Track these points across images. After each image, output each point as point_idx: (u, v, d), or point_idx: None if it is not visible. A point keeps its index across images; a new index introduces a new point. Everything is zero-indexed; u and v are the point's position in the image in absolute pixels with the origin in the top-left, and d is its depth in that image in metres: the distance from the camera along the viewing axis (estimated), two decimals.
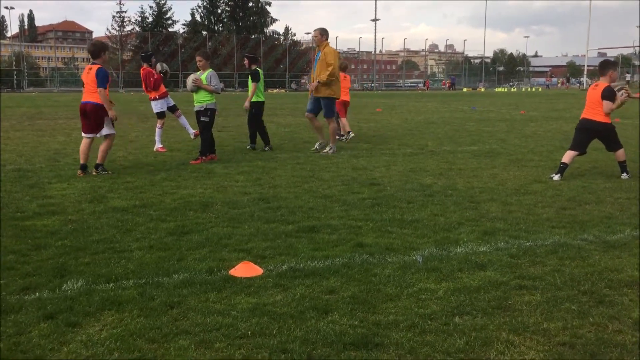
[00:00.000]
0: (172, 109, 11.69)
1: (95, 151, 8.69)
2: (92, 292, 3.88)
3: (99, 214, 6.09)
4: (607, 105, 7.90)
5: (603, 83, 8.08)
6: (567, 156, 8.20)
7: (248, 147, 11.53)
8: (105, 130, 8.58)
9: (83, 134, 8.61)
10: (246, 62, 11.78)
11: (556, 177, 8.06)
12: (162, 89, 11.51)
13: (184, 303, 3.73)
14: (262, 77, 11.59)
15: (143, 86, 11.53)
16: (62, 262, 4.49)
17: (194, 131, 11.36)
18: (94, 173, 8.49)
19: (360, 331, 3.33)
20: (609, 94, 7.90)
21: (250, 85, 11.46)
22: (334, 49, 10.74)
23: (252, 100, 11.38)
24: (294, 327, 3.39)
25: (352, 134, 13.30)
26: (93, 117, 8.46)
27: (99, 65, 8.45)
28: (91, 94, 8.43)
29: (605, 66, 8.24)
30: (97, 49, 8.64)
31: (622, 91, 8.06)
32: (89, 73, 8.44)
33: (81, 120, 8.66)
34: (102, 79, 8.33)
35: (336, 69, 10.49)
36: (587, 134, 8.21)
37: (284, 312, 3.59)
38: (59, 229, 5.45)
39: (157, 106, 11.51)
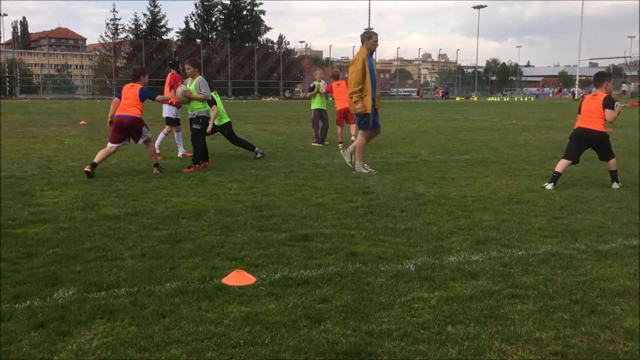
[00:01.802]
0: (175, 122, 11.82)
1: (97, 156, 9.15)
2: (84, 301, 3.86)
3: (91, 221, 6.06)
4: (610, 113, 7.98)
5: (602, 93, 8.16)
6: (561, 165, 8.24)
7: (258, 156, 11.23)
8: (147, 135, 9.36)
9: (111, 144, 9.15)
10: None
11: (549, 186, 8.10)
12: None
13: (176, 312, 3.71)
14: (218, 99, 11.06)
15: (167, 89, 11.79)
16: (53, 270, 4.46)
17: (184, 151, 11.78)
18: (155, 172, 9.30)
19: (353, 340, 3.32)
20: (611, 103, 7.99)
21: (212, 109, 10.61)
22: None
23: (221, 124, 10.93)
24: (286, 336, 3.38)
25: (340, 145, 13.37)
26: (133, 130, 9.18)
27: (141, 85, 9.33)
28: (130, 108, 9.13)
29: (601, 78, 8.33)
30: (135, 73, 9.67)
31: (616, 103, 8.16)
32: (130, 89, 9.25)
33: (115, 131, 9.16)
34: (150, 92, 9.38)
35: None
36: (582, 143, 8.27)
37: (276, 321, 3.58)
38: (51, 237, 5.42)
39: (171, 112, 11.62)
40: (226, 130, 11.16)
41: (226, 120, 11.14)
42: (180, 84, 11.37)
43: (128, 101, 9.17)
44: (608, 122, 8.07)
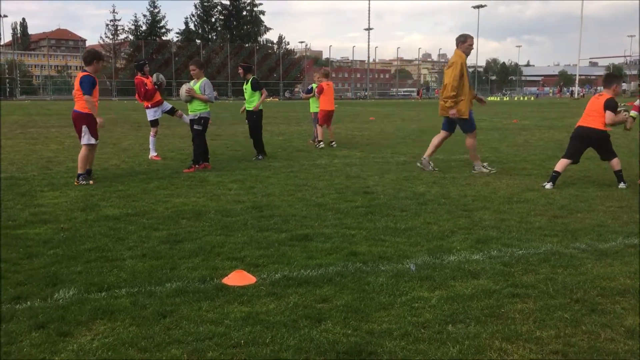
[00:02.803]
0: (172, 112, 11.64)
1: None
2: (84, 301, 3.86)
3: (91, 222, 6.06)
4: (609, 115, 7.97)
5: (606, 94, 8.15)
6: (560, 164, 8.23)
7: (260, 158, 11.30)
8: (84, 140, 8.49)
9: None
10: (241, 71, 11.81)
11: (548, 186, 8.09)
12: (157, 97, 11.49)
13: (176, 312, 3.71)
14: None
15: (136, 95, 11.55)
16: (54, 271, 4.46)
17: (154, 155, 11.41)
18: (75, 183, 8.36)
19: (353, 340, 3.32)
20: (612, 105, 7.97)
21: (254, 93, 11.45)
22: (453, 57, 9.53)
23: (256, 108, 11.45)
24: (287, 336, 3.38)
25: (321, 145, 13.51)
26: (75, 124, 8.53)
27: (84, 73, 8.44)
28: (76, 101, 8.50)
29: (611, 80, 8.33)
30: (89, 56, 8.61)
31: (624, 112, 8.14)
32: (77, 80, 8.50)
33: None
34: (86, 86, 8.29)
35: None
36: (583, 142, 8.26)
37: (277, 320, 3.58)
38: (51, 238, 5.42)
39: (150, 114, 11.51)
40: (255, 115, 11.50)
41: (261, 107, 11.61)
42: (143, 89, 11.24)
43: (76, 93, 8.45)
44: (607, 124, 8.05)
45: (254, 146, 11.54)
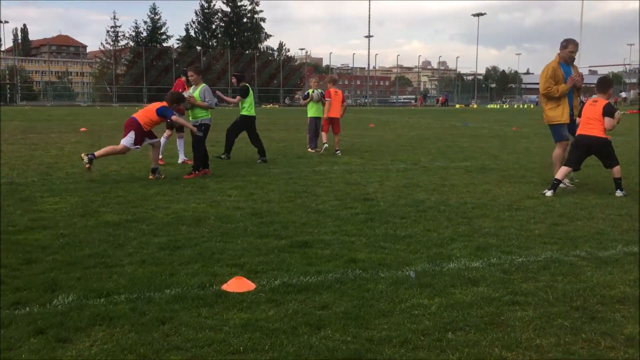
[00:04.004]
0: (179, 129, 11.83)
1: (98, 163, 9.33)
2: (83, 307, 3.86)
3: (91, 228, 6.06)
4: (609, 121, 7.99)
5: (602, 100, 8.16)
6: (561, 172, 8.24)
7: (222, 156, 11.63)
8: (124, 140, 9.34)
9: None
10: (234, 80, 11.99)
11: (549, 193, 8.09)
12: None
13: (175, 318, 3.71)
14: (251, 92, 11.79)
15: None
16: (53, 277, 4.45)
17: (185, 159, 11.71)
18: (150, 177, 9.41)
19: (353, 347, 3.32)
20: (610, 111, 7.98)
21: (243, 100, 11.75)
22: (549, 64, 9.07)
23: (244, 114, 11.71)
24: (286, 342, 3.37)
25: (324, 147, 13.63)
26: (125, 127, 9.47)
27: (163, 104, 9.51)
28: (141, 111, 9.57)
29: (605, 85, 8.34)
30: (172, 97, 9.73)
31: (617, 112, 8.17)
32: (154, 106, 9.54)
33: None
34: (168, 113, 9.38)
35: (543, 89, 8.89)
36: (584, 150, 8.26)
37: (276, 327, 3.58)
38: (51, 244, 5.41)
39: None
40: (246, 123, 11.78)
41: (253, 114, 11.87)
42: (181, 90, 11.44)
43: (149, 110, 9.54)
44: (607, 130, 8.07)
45: (255, 148, 11.83)
